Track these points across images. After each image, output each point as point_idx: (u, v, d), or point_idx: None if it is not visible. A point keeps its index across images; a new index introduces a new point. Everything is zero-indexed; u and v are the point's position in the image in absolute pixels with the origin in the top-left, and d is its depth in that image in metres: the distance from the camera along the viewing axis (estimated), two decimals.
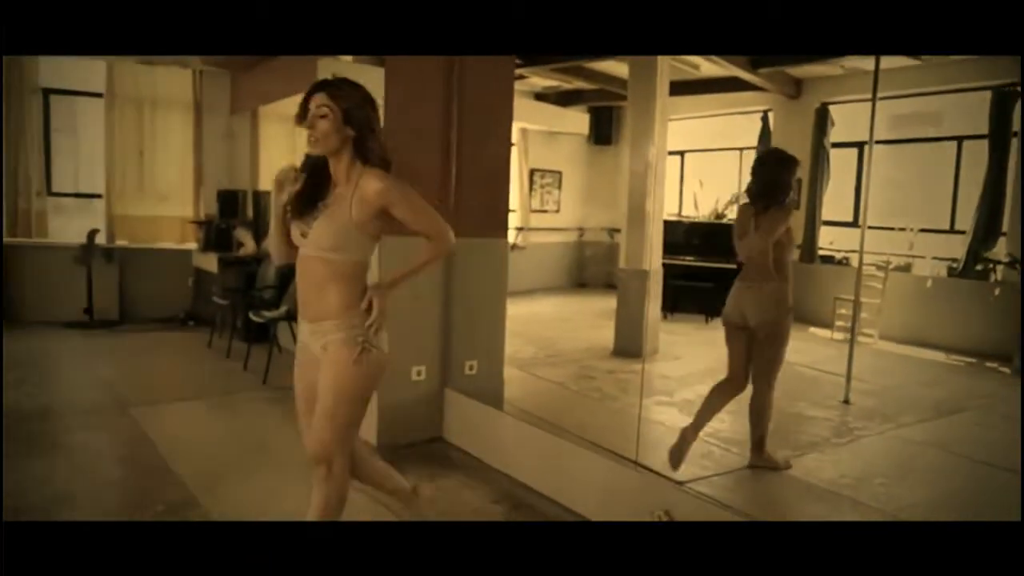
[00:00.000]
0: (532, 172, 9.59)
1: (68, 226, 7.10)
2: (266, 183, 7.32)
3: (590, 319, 7.72)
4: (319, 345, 2.21)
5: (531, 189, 9.55)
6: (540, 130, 9.42)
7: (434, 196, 3.89)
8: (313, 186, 2.24)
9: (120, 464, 3.60)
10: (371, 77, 4.15)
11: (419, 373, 3.89)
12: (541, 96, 9.35)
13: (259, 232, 6.60)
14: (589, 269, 9.91)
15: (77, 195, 7.23)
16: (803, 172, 5.80)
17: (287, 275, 5.65)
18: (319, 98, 2.17)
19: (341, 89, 2.18)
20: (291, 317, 5.12)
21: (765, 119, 6.67)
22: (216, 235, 6.65)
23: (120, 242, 7.11)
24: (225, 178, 7.32)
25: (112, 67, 6.95)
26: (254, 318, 5.32)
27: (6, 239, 6.74)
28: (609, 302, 6.41)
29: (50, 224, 7.02)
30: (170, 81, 7.21)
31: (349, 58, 5.54)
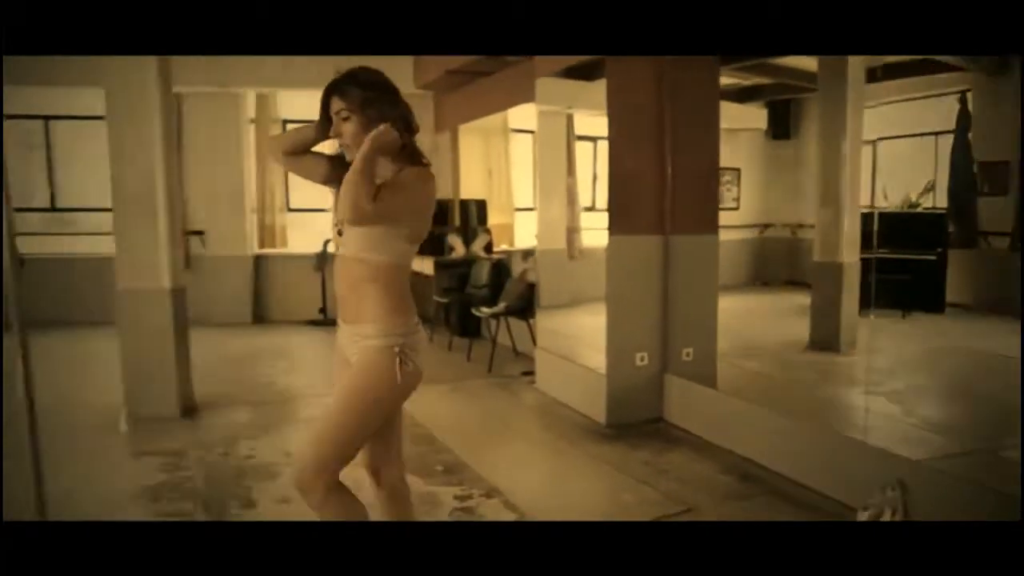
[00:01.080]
0: None
1: (304, 238, 8.17)
2: (467, 193, 8.03)
3: (777, 315, 7.77)
4: (353, 349, 2.05)
5: None
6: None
7: (652, 197, 4.29)
8: None
9: None
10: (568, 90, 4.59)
11: (642, 359, 4.29)
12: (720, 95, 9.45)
13: (467, 237, 7.28)
14: (770, 266, 9.88)
15: (311, 210, 8.28)
16: (1011, 154, 5.64)
17: (501, 274, 6.26)
18: (335, 102, 2.03)
19: (352, 85, 2.01)
20: (510, 312, 5.70)
21: (963, 100, 6.45)
22: (430, 241, 7.40)
23: None
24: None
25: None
26: (476, 313, 5.95)
27: (257, 251, 7.91)
28: (793, 299, 6.47)
29: (289, 236, 8.13)
30: None
31: (551, 76, 6.04)
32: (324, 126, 2.07)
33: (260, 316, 7.93)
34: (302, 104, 8.20)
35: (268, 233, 8.00)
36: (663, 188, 4.29)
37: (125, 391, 4.45)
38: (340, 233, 2.05)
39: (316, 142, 2.13)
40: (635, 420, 4.26)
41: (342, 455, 2.00)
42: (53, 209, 7.98)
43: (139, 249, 4.35)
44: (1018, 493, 2.36)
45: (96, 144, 7.50)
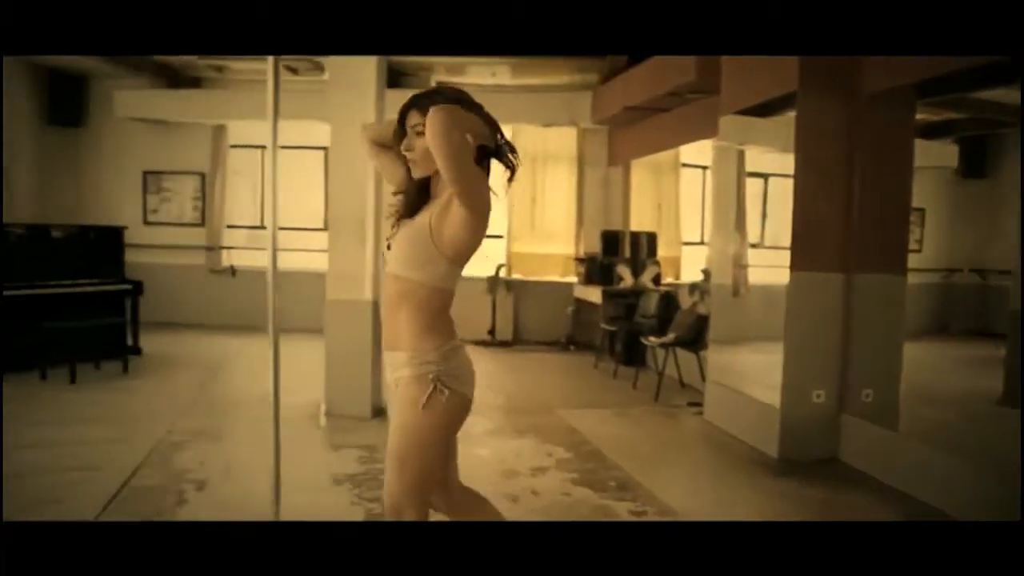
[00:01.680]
0: None
1: (476, 262, 8.65)
2: (637, 225, 8.20)
3: (964, 365, 7.27)
4: (392, 378, 2.00)
5: None
6: None
7: (837, 234, 4.27)
8: (419, 191, 2.01)
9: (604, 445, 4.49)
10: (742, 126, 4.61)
11: (819, 396, 4.25)
12: None
13: (636, 268, 7.44)
14: (955, 313, 9.23)
15: (486, 236, 8.79)
16: None
17: (670, 305, 6.35)
18: (413, 115, 1.93)
19: (435, 101, 1.87)
20: (679, 343, 5.78)
21: None
22: (599, 270, 7.64)
23: (515, 275, 8.49)
24: (602, 221, 8.35)
25: (515, 131, 8.39)
26: (644, 342, 6.08)
27: None
28: (981, 349, 6.04)
29: None
30: (559, 139, 8.48)
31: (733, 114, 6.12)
32: (399, 136, 1.98)
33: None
34: None
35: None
36: (848, 225, 4.26)
37: (325, 391, 4.97)
38: (388, 247, 2.00)
39: (391, 143, 2.04)
40: (808, 457, 4.21)
41: (421, 489, 1.97)
42: (261, 227, 8.99)
43: (348, 265, 4.89)
44: None
45: (297, 171, 8.48)
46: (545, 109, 8.08)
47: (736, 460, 4.33)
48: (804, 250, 4.26)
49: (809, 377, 4.24)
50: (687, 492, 3.86)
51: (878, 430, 4.04)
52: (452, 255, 1.92)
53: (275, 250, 2.80)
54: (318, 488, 3.61)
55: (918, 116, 8.51)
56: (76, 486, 3.49)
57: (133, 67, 7.71)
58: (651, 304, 6.59)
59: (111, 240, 6.73)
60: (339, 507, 3.39)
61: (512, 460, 4.18)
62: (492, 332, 8.26)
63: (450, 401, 1.92)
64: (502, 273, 8.29)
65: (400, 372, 1.94)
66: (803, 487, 3.89)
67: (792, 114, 4.69)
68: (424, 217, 1.93)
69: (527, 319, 8.47)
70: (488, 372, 6.67)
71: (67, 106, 8.42)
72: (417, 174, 1.97)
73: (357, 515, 3.33)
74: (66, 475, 3.64)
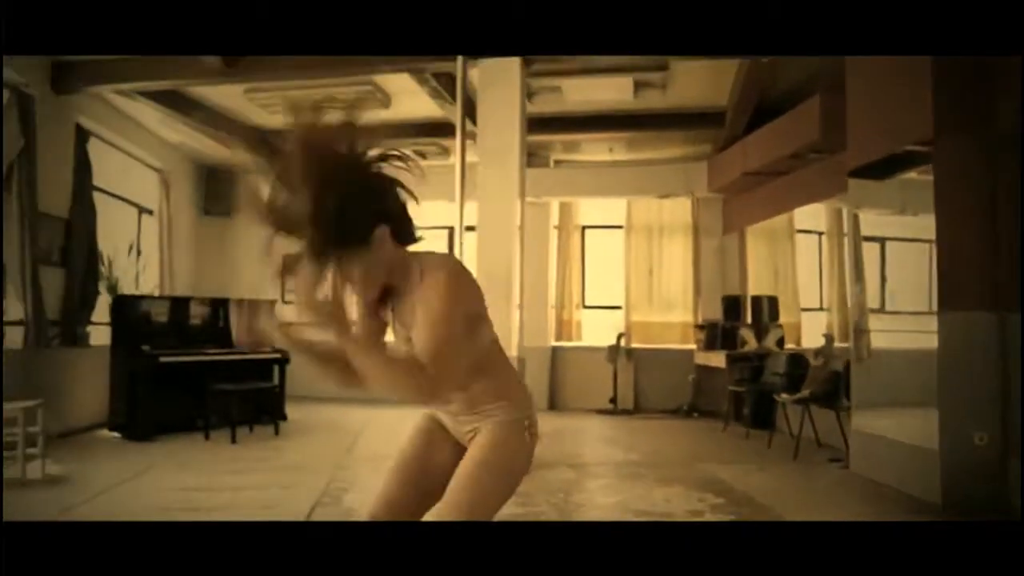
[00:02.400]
0: None
1: (597, 332, 8.85)
2: (756, 290, 8.23)
3: None
4: (467, 430, 1.79)
5: None
6: None
7: (985, 272, 4.25)
8: None
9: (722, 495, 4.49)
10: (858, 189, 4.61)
11: (980, 439, 4.12)
12: None
13: (760, 332, 7.43)
14: None
15: (605, 307, 8.99)
16: None
17: (800, 364, 6.31)
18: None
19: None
20: (814, 399, 5.71)
21: None
22: (721, 335, 7.67)
23: (635, 344, 8.59)
24: (719, 288, 8.42)
25: (631, 204, 8.70)
26: (777, 399, 6.03)
27: (554, 343, 8.71)
28: None
29: (584, 330, 8.88)
30: (674, 209, 8.71)
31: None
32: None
33: (555, 402, 8.60)
34: (598, 210, 9.09)
35: (565, 327, 8.80)
36: (996, 264, 4.23)
37: None
38: None
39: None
40: (976, 503, 4.06)
41: None
42: None
43: (499, 325, 5.16)
44: None
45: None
46: (661, 181, 8.38)
47: (895, 507, 4.21)
48: (952, 289, 4.24)
49: (968, 419, 4.13)
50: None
51: None
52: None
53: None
54: None
55: None
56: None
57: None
58: (780, 363, 6.55)
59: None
60: None
61: (663, 505, 4.22)
62: (613, 400, 8.32)
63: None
64: (622, 342, 8.42)
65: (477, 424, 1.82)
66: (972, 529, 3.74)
67: (908, 175, 4.79)
68: None
69: (648, 387, 8.50)
70: (611, 438, 6.74)
71: (221, 198, 9.34)
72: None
73: None
74: (254, 512, 3.94)
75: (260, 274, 9.43)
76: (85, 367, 6.31)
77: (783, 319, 8.16)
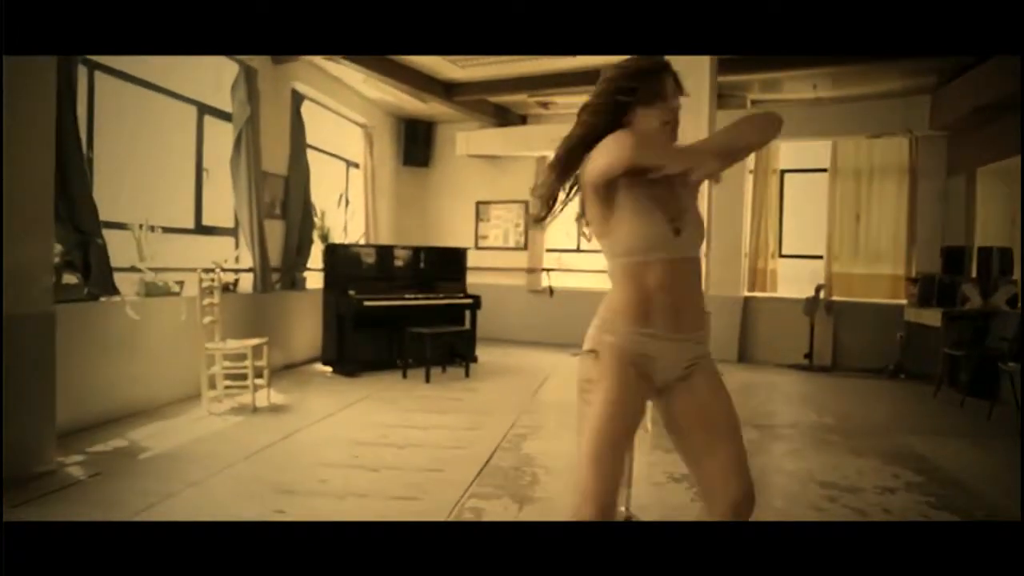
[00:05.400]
0: None
1: (793, 283, 8.35)
2: (984, 242, 7.28)
3: None
4: (688, 359, 1.87)
5: None
6: None
7: None
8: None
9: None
10: None
11: None
12: None
13: (987, 288, 6.60)
14: None
15: (803, 256, 8.44)
16: None
17: None
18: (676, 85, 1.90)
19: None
20: None
21: None
22: (939, 290, 6.92)
23: (836, 297, 8.00)
24: (938, 238, 7.57)
25: (836, 145, 7.99)
26: (1004, 368, 5.38)
27: (747, 293, 8.34)
28: None
29: (780, 281, 8.40)
30: (887, 150, 7.88)
31: None
32: (666, 101, 1.92)
33: (745, 355, 8.29)
34: (798, 153, 8.46)
35: (760, 276, 8.38)
36: None
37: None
38: (678, 232, 1.84)
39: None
40: None
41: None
42: (577, 250, 9.59)
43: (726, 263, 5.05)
44: None
45: None
46: (873, 119, 7.60)
47: None
48: None
49: None
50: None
51: None
52: None
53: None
54: (656, 484, 3.77)
55: None
56: (448, 462, 4.05)
57: (472, 110, 8.76)
58: (1009, 326, 5.80)
59: (456, 260, 7.68)
60: (678, 502, 3.51)
61: (854, 477, 3.97)
62: (809, 356, 7.86)
63: None
64: (821, 294, 7.87)
65: (701, 350, 1.89)
66: None
67: None
68: (689, 194, 1.94)
69: (848, 343, 7.92)
70: (805, 397, 6.39)
71: (419, 148, 9.84)
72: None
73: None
74: (440, 451, 4.24)
75: (457, 220, 9.90)
76: (303, 309, 7.04)
77: (1020, 274, 7.17)
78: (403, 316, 6.85)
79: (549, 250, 9.57)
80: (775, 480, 3.92)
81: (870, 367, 7.72)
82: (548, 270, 9.46)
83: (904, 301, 7.60)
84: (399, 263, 7.29)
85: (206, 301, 5.05)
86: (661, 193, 1.84)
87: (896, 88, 7.45)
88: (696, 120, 5.07)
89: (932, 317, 6.81)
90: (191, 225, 5.82)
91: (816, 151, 8.26)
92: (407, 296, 6.99)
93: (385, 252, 7.29)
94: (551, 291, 9.30)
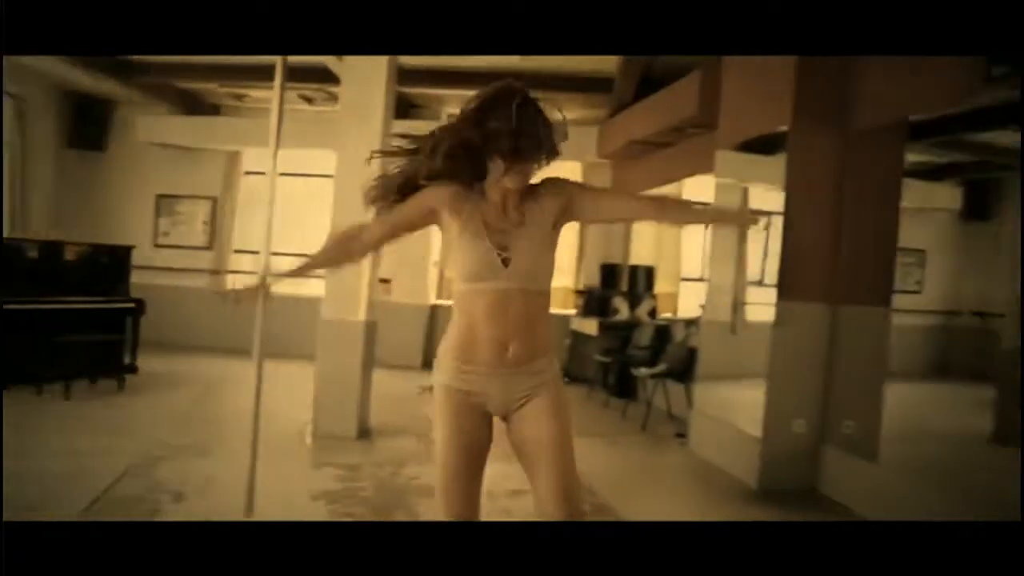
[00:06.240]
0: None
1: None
2: (636, 259, 8.25)
3: (958, 406, 7.18)
4: (526, 389, 1.92)
5: None
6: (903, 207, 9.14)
7: (824, 266, 4.30)
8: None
9: None
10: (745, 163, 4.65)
11: (800, 426, 4.24)
12: (908, 173, 9.10)
13: (633, 301, 7.48)
14: (954, 356, 9.14)
15: None
16: None
17: (663, 338, 6.38)
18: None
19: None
20: (669, 375, 5.79)
21: None
22: (597, 302, 7.69)
23: None
24: (603, 255, 8.42)
25: None
26: (635, 373, 6.09)
27: (434, 301, 8.54)
28: (978, 392, 6.04)
29: None
30: (563, 173, 8.55)
31: (731, 150, 6.19)
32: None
33: (429, 362, 8.47)
34: None
35: (446, 284, 8.67)
36: (835, 258, 4.30)
37: (314, 410, 5.01)
38: (506, 263, 1.83)
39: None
40: (787, 488, 4.19)
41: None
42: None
43: (345, 286, 4.96)
44: None
45: (311, 198, 8.61)
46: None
47: (716, 490, 4.32)
48: (791, 280, 4.30)
49: (791, 407, 4.24)
50: (659, 518, 3.84)
51: (858, 462, 4.03)
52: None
53: (266, 273, 3.06)
54: (293, 504, 3.64)
55: (922, 158, 8.61)
56: (55, 494, 3.54)
57: (156, 93, 7.95)
58: (645, 337, 6.61)
59: (118, 259, 6.86)
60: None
61: (495, 482, 4.18)
62: None
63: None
64: None
65: (543, 377, 1.93)
66: (780, 518, 3.86)
67: None
68: (542, 222, 1.89)
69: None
70: None
71: (91, 130, 8.69)
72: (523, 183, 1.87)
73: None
74: (48, 482, 3.70)
75: (133, 214, 8.90)
76: None
77: (664, 288, 8.24)
78: (46, 323, 5.95)
79: (237, 251, 9.02)
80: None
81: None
82: (235, 272, 8.91)
83: (573, 311, 8.34)
84: (44, 261, 6.33)
85: None
86: (492, 220, 1.86)
87: (571, 117, 8.11)
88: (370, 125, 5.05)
89: (591, 326, 7.55)
90: None
91: None
92: (50, 300, 6.09)
93: (22, 247, 6.28)
94: (236, 294, 8.74)
